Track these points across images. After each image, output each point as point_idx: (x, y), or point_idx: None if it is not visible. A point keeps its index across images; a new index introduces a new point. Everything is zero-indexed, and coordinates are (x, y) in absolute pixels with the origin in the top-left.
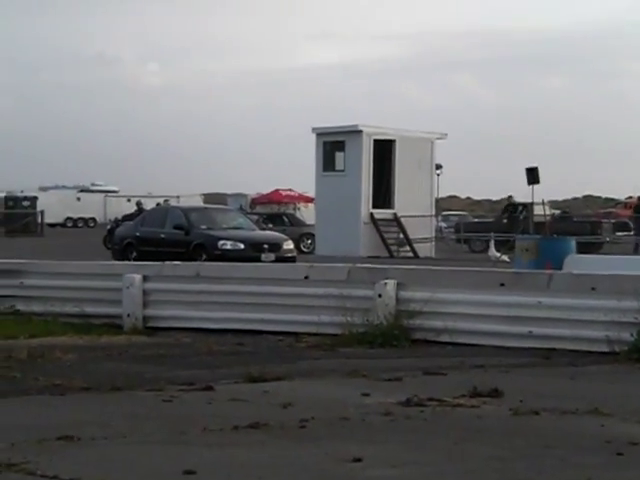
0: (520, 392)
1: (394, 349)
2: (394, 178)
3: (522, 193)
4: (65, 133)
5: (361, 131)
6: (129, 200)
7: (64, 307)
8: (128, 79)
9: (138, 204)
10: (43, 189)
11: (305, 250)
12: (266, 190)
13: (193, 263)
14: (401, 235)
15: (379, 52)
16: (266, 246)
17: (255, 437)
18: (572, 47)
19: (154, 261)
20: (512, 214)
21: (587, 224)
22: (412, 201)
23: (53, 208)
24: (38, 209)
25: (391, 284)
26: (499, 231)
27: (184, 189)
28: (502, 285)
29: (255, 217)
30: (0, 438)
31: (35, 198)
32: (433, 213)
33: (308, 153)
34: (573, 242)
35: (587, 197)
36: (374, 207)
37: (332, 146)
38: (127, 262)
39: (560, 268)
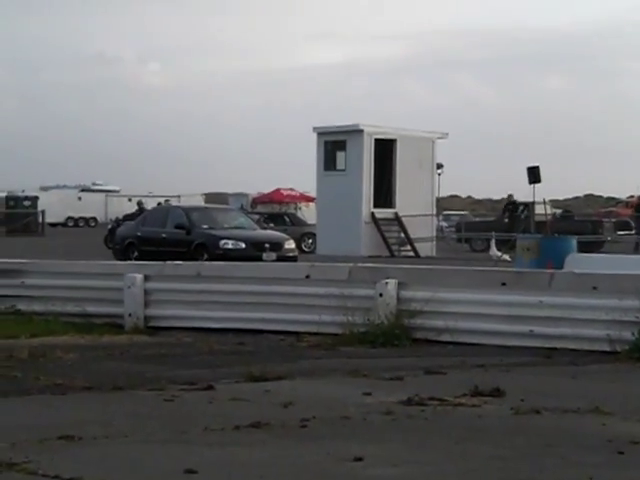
0: (521, 391)
1: (395, 348)
2: (395, 177)
3: (523, 192)
4: (66, 133)
5: (362, 130)
6: (130, 200)
7: (65, 307)
8: (129, 79)
9: (139, 204)
10: (44, 189)
11: (306, 250)
12: (267, 189)
13: (194, 263)
14: (402, 234)
15: (380, 52)
16: (267, 245)
17: (256, 436)
18: (573, 46)
19: (155, 261)
20: (513, 213)
21: (588, 223)
22: (413, 200)
23: (54, 208)
24: (39, 209)
25: (392, 283)
26: (500, 230)
27: (185, 189)
28: (503, 284)
29: (256, 217)
30: (1, 437)
31: (36, 198)
32: (434, 212)
33: (309, 152)
34: (574, 241)
35: (588, 196)
36: (375, 206)
37: (333, 145)
38: (128, 262)
39: (561, 267)
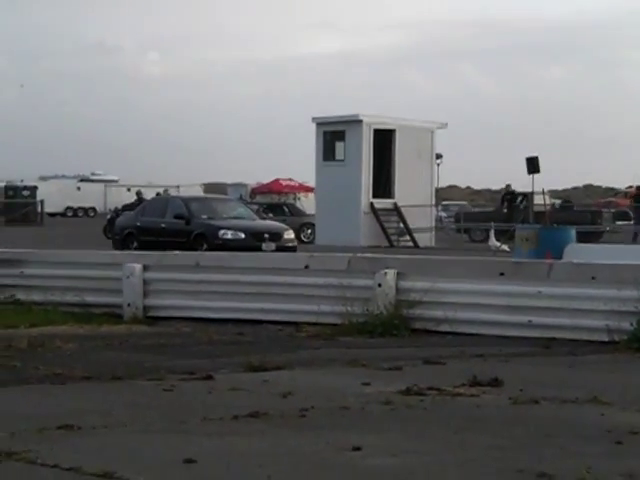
0: (520, 381)
1: (394, 338)
2: (394, 168)
3: (522, 183)
4: (65, 122)
5: (361, 121)
6: (129, 190)
7: (64, 296)
8: (128, 68)
9: (138, 194)
10: (43, 178)
11: (305, 240)
12: (266, 180)
13: (193, 253)
14: (401, 225)
15: (379, 41)
16: (267, 236)
17: (255, 426)
18: (572, 36)
19: (155, 251)
20: (511, 203)
21: (587, 213)
22: (412, 191)
23: (53, 198)
24: (38, 198)
25: (391, 274)
26: (499, 221)
27: (184, 179)
28: (502, 275)
29: (255, 207)
30: (1, 427)
31: (35, 187)
32: (433, 203)
33: (308, 143)
34: (573, 231)
35: (587, 186)
36: (374, 197)
37: (332, 136)
38: (127, 251)
39: (560, 257)
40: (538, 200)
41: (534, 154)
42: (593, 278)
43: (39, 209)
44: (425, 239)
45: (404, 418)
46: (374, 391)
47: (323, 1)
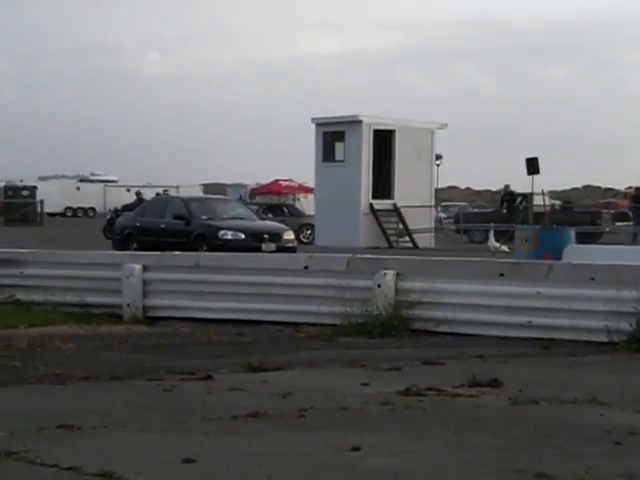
0: (519, 382)
1: (393, 339)
2: (394, 168)
3: (522, 183)
4: (65, 122)
5: (361, 121)
6: (129, 190)
7: (64, 296)
8: (128, 68)
9: (138, 194)
10: (43, 178)
11: (305, 241)
12: (266, 180)
13: (192, 253)
14: (401, 225)
15: (379, 42)
16: (267, 236)
17: (254, 426)
18: (572, 37)
19: (155, 251)
20: (511, 204)
21: (587, 214)
22: (412, 191)
23: (53, 198)
24: (38, 199)
25: (390, 274)
26: (498, 221)
27: (183, 179)
28: (501, 275)
29: (254, 207)
30: (0, 426)
31: (34, 188)
32: (433, 203)
33: (308, 143)
34: (572, 232)
35: (587, 187)
36: (374, 197)
37: (332, 136)
38: (127, 252)
39: (559, 258)
40: (538, 201)
41: (534, 155)
42: (592, 279)
43: (39, 209)
44: (424, 240)
45: (403, 418)
46: (373, 391)
47: (323, 1)
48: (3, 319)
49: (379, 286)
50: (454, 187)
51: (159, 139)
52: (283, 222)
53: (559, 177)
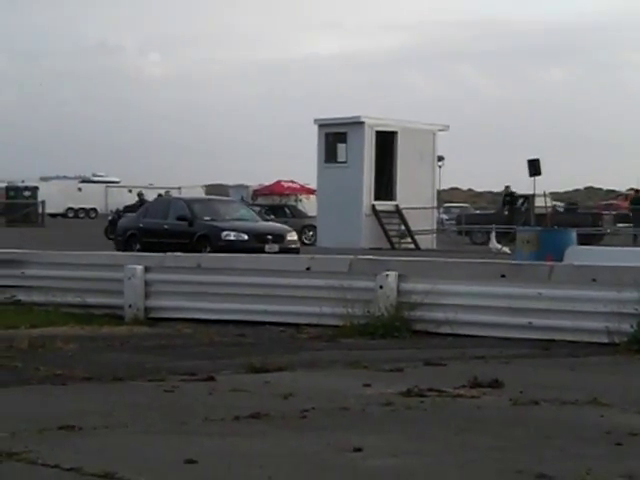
0: (520, 383)
1: (395, 340)
2: (396, 170)
3: (524, 185)
4: (66, 123)
5: (363, 122)
6: (130, 191)
7: (65, 297)
8: (130, 68)
9: (139, 195)
10: (44, 179)
11: (307, 242)
12: (268, 181)
13: (194, 254)
14: (402, 227)
15: (381, 43)
16: (270, 237)
17: (256, 427)
18: (573, 38)
19: (158, 252)
20: (512, 205)
21: (588, 216)
22: (414, 193)
23: (54, 198)
24: (39, 199)
25: (392, 276)
26: (500, 223)
27: (185, 180)
28: (503, 276)
29: (257, 208)
30: (1, 427)
31: (36, 188)
32: (435, 205)
33: (310, 144)
34: (574, 234)
35: (588, 189)
36: (376, 199)
37: (334, 137)
38: (129, 253)
39: (561, 260)
40: (539, 202)
41: (536, 156)
42: (593, 280)
43: (40, 210)
44: (426, 241)
45: (405, 419)
46: (375, 392)
47: (324, 2)
48: (4, 320)
49: (381, 287)
50: (456, 188)
51: (161, 140)
52: (285, 223)
53: (561, 178)
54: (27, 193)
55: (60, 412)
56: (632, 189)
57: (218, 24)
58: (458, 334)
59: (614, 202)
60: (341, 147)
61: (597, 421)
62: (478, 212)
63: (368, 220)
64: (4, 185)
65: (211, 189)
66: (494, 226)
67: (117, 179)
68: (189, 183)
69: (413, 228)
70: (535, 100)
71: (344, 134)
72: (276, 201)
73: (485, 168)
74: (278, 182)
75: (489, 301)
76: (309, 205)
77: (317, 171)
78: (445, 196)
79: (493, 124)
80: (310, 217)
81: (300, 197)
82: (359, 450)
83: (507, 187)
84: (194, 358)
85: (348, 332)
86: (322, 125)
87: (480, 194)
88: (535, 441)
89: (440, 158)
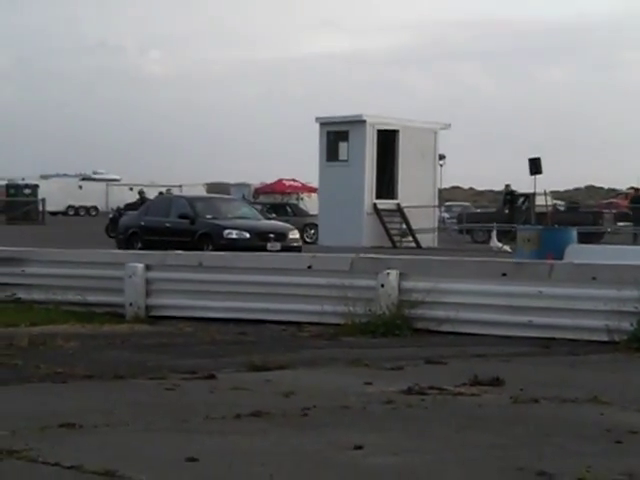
0: (520, 381)
1: (396, 338)
2: (397, 168)
3: (525, 183)
4: (67, 121)
5: (365, 121)
6: (131, 189)
7: (66, 295)
8: (130, 67)
9: (140, 193)
10: (44, 177)
11: (308, 240)
12: (269, 180)
13: (196, 252)
14: (404, 225)
15: (381, 42)
16: (272, 235)
17: (257, 425)
18: (574, 38)
19: (159, 251)
20: (512, 204)
21: (589, 214)
22: (415, 191)
23: (55, 196)
24: (39, 197)
25: (393, 274)
26: (501, 221)
27: (186, 178)
28: (503, 275)
29: (258, 207)
30: (2, 425)
31: (36, 186)
32: (436, 203)
33: (312, 143)
34: (574, 232)
35: (589, 187)
36: (377, 197)
37: (336, 136)
38: (130, 251)
39: (561, 258)
40: (540, 201)
41: (536, 155)
42: (594, 278)
43: (40, 208)
44: (428, 240)
45: (405, 417)
46: (376, 390)
47: (325, 1)
48: (4, 318)
49: (382, 286)
50: (457, 187)
51: (162, 138)
52: (286, 222)
53: (561, 177)
54: (27, 191)
55: (61, 410)
56: (632, 188)
57: (218, 23)
58: (459, 332)
59: (614, 201)
60: (343, 145)
61: (597, 419)
62: (479, 211)
63: (369, 218)
64: (4, 183)
65: (212, 187)
66: (495, 225)
67: (118, 177)
68: (190, 181)
69: (414, 227)
70: (536, 99)
71: (346, 132)
72: (278, 199)
73: (486, 167)
74: (280, 180)
75: (490, 299)
76: (310, 203)
77: (319, 169)
78: (446, 195)
79: (494, 123)
80: (311, 215)
81: (302, 195)
82: (360, 448)
83: (507, 186)
84: (195, 356)
85: (349, 330)
86: (324, 123)
87: (481, 193)
88: (535, 439)
89: (441, 157)
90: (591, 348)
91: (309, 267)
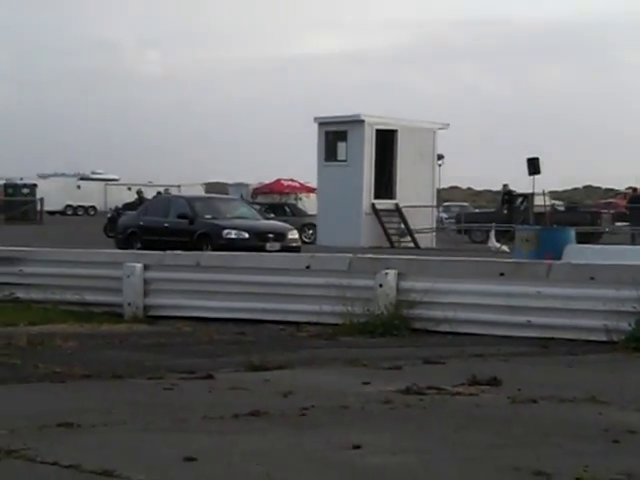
0: (518, 381)
1: (394, 338)
2: (396, 168)
3: (523, 184)
4: (65, 120)
5: (363, 121)
6: (129, 189)
7: (64, 295)
8: (129, 66)
9: (139, 193)
10: (43, 176)
11: (307, 240)
12: (268, 180)
13: (194, 252)
14: (402, 225)
15: (380, 41)
16: (271, 235)
17: (255, 425)
18: (573, 37)
19: (158, 251)
20: (511, 204)
21: (587, 214)
22: (414, 191)
23: (53, 196)
24: (38, 197)
25: (392, 274)
26: (499, 222)
27: (185, 178)
28: (502, 275)
29: (257, 207)
30: (0, 424)
31: (34, 186)
32: (434, 204)
33: (310, 143)
34: (572, 232)
35: (587, 187)
36: (376, 197)
37: (334, 136)
38: (128, 251)
39: (560, 258)
40: (539, 201)
41: (535, 155)
42: (592, 278)
43: (39, 207)
44: (426, 240)
45: (404, 417)
46: (374, 390)
47: (324, 1)
48: (3, 317)
49: (380, 286)
50: (455, 187)
51: (160, 137)
52: (285, 222)
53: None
54: (25, 190)
55: (59, 409)
56: (631, 188)
57: (218, 23)
58: (457, 332)
59: (613, 201)
60: (341, 145)
61: (595, 419)
62: (477, 211)
63: (368, 219)
64: (2, 182)
65: (211, 187)
66: (493, 225)
67: (116, 177)
68: (189, 181)
69: (413, 227)
70: (535, 99)
71: (344, 132)
72: (276, 199)
73: (485, 167)
74: (278, 180)
75: (488, 299)
76: (309, 203)
77: (317, 169)
78: (445, 195)
79: (493, 123)
80: (310, 215)
81: (300, 195)
82: (358, 448)
83: (505, 186)
84: (193, 356)
85: (348, 330)
86: (322, 123)
87: (480, 193)
88: (533, 438)
89: (440, 157)
90: (589, 348)
91: (307, 267)
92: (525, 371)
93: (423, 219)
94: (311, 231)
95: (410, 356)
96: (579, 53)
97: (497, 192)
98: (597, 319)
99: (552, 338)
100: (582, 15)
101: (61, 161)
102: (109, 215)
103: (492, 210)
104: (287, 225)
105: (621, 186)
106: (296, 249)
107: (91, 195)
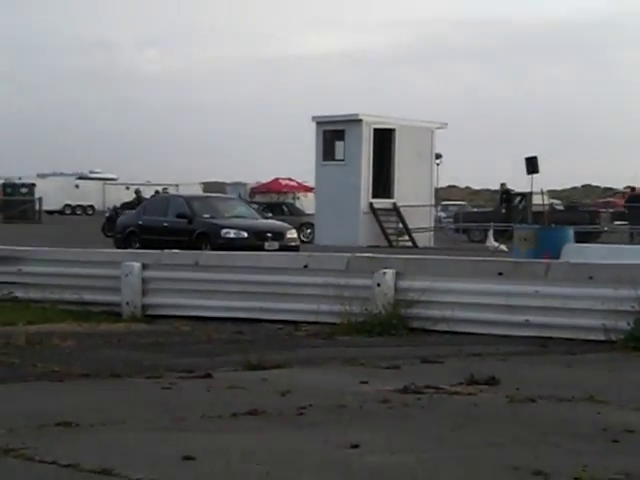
0: (517, 380)
1: (392, 338)
2: (394, 167)
3: (522, 183)
4: (63, 119)
5: (361, 120)
6: (128, 188)
7: (62, 294)
8: (127, 66)
9: (137, 192)
10: (41, 176)
11: (304, 240)
12: (265, 179)
13: (192, 252)
14: (400, 225)
15: (380, 40)
16: (269, 235)
17: (253, 424)
18: (573, 36)
19: (156, 250)
20: (509, 203)
21: (586, 214)
22: (412, 191)
23: (51, 195)
24: (36, 196)
25: (390, 273)
26: (498, 221)
27: (183, 177)
28: (500, 274)
29: (255, 206)
30: None
31: (33, 185)
32: (432, 203)
33: (308, 142)
34: (571, 231)
35: (586, 186)
36: (374, 197)
37: (332, 135)
38: (126, 250)
39: (558, 257)
40: (537, 200)
41: (533, 154)
42: (590, 278)
43: (37, 207)
44: (424, 239)
45: (402, 416)
46: (372, 389)
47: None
48: (1, 316)
49: (378, 285)
50: (454, 186)
51: (158, 137)
52: (283, 221)
53: (558, 176)
54: (24, 190)
55: (57, 409)
56: (629, 187)
57: (216, 22)
58: (455, 331)
59: (611, 200)
60: (339, 145)
61: (593, 418)
62: (476, 210)
63: (366, 218)
64: (1, 182)
65: (208, 187)
66: (492, 224)
67: (114, 176)
68: (186, 180)
69: (411, 226)
70: (533, 98)
71: (342, 132)
72: (274, 199)
73: (483, 166)
74: (276, 180)
75: (486, 299)
76: (307, 203)
77: (315, 169)
78: (443, 194)
79: (491, 122)
80: (308, 215)
81: (298, 195)
82: (356, 447)
83: (503, 185)
84: (192, 355)
85: (345, 330)
86: (320, 123)
87: (478, 192)
88: (531, 438)
89: (438, 156)
90: (588, 347)
91: (305, 266)
92: (523, 370)
93: (421, 218)
94: (309, 230)
95: (408, 355)
96: (579, 53)
97: (495, 191)
98: (595, 318)
99: (550, 337)
100: (582, 14)
101: (59, 160)
102: (107, 214)
103: (490, 209)
104: (286, 224)
105: (620, 185)
106: (295, 248)
107: (89, 194)
